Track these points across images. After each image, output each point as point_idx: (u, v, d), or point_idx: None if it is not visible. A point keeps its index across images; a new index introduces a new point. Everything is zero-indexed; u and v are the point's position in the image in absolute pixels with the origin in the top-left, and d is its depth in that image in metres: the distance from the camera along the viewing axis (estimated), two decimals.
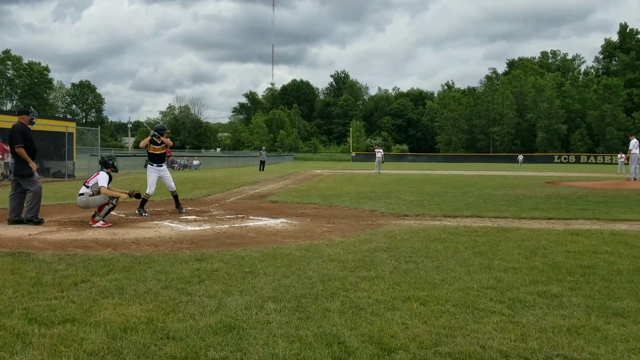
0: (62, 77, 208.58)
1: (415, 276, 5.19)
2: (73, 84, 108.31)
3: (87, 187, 9.06)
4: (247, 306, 4.15)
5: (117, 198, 9.25)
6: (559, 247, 6.73)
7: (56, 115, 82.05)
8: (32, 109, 9.76)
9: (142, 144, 10.87)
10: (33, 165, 9.03)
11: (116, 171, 9.73)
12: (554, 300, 4.40)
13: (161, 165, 10.85)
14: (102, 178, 9.12)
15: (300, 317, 3.91)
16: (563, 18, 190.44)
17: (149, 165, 10.90)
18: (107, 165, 9.46)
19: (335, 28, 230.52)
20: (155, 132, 10.61)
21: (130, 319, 3.84)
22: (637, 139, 22.04)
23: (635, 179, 20.59)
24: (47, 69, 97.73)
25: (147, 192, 10.45)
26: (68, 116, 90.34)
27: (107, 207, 8.98)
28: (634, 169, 21.49)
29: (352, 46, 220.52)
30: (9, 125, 9.75)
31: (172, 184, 10.86)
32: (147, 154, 10.95)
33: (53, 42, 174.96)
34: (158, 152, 10.80)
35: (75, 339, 3.43)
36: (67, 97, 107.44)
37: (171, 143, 11.00)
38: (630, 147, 21.97)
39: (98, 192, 9.01)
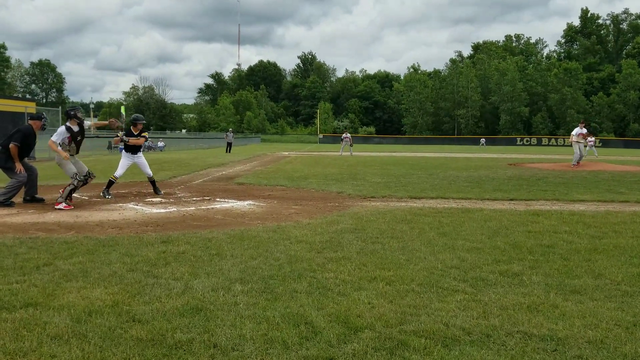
0: (21, 56, 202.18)
1: (381, 257, 5.26)
2: (32, 63, 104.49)
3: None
4: (214, 288, 4.15)
5: (82, 180, 9.11)
6: (521, 227, 6.91)
7: (15, 95, 79.38)
8: (44, 115, 9.89)
9: (115, 141, 11.00)
10: (19, 166, 9.04)
11: (81, 122, 9.38)
12: (515, 278, 4.52)
13: (136, 153, 10.76)
14: (57, 132, 9.06)
15: (267, 298, 3.92)
16: (525, 3, 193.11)
17: (124, 151, 10.78)
18: (69, 116, 9.21)
19: (302, 8, 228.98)
20: (125, 138, 10.44)
21: (94, 302, 3.79)
22: (585, 127, 21.56)
23: (575, 165, 20.59)
24: (3, 46, 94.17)
25: (115, 174, 10.34)
26: (27, 96, 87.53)
27: (68, 188, 8.79)
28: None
29: (319, 27, 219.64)
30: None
31: (149, 170, 10.79)
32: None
33: (11, 19, 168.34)
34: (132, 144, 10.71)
35: (38, 323, 3.38)
36: (25, 76, 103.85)
37: (141, 142, 10.77)
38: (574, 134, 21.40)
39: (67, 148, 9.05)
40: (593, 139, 40.58)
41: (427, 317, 3.56)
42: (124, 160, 10.59)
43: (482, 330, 3.34)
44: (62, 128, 9.12)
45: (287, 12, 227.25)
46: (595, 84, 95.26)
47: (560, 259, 5.19)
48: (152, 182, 10.85)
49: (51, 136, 9.15)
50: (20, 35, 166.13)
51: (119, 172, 10.38)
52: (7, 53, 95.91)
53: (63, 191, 8.82)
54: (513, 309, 3.75)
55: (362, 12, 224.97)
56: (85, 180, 9.15)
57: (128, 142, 10.45)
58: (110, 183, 10.20)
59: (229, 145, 39.54)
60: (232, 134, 41.86)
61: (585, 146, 36.96)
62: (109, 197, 9.95)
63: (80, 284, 4.23)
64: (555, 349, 3.10)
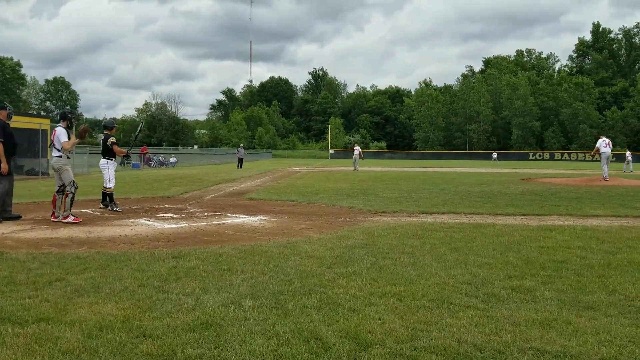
0: (39, 74, 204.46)
1: (392, 272, 5.24)
2: (47, 81, 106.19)
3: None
4: (224, 303, 4.15)
5: (71, 186, 8.91)
6: (533, 243, 6.85)
7: (30, 111, 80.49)
8: (6, 103, 9.57)
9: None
10: (5, 167, 8.71)
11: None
12: (528, 294, 4.48)
13: (112, 158, 11.13)
14: (64, 134, 9.05)
15: (277, 314, 3.92)
16: (536, 19, 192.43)
17: (107, 160, 10.89)
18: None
19: (314, 26, 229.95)
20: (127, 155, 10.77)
21: (106, 317, 3.81)
22: (605, 137, 21.58)
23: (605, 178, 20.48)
24: (19, 64, 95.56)
25: (109, 186, 10.65)
26: (42, 113, 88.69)
27: (67, 199, 8.71)
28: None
29: (331, 44, 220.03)
30: None
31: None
32: (102, 150, 11.13)
33: (30, 38, 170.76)
34: None
35: (49, 338, 3.40)
36: (40, 93, 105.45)
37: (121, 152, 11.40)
38: (597, 146, 21.38)
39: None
40: (629, 154, 39.14)
41: (439, 333, 3.53)
42: (112, 170, 10.88)
43: (494, 347, 3.31)
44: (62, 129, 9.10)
45: (299, 30, 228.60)
46: (608, 99, 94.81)
47: (573, 275, 5.14)
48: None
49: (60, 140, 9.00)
50: (38, 54, 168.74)
51: (112, 183, 10.71)
52: (25, 71, 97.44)
53: (64, 205, 8.70)
54: (525, 325, 3.72)
55: (373, 29, 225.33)
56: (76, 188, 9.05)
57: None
58: (111, 195, 10.57)
59: (240, 160, 39.74)
60: (243, 149, 42.13)
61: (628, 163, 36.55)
62: (118, 209, 10.16)
63: (91, 299, 4.26)
64: None
